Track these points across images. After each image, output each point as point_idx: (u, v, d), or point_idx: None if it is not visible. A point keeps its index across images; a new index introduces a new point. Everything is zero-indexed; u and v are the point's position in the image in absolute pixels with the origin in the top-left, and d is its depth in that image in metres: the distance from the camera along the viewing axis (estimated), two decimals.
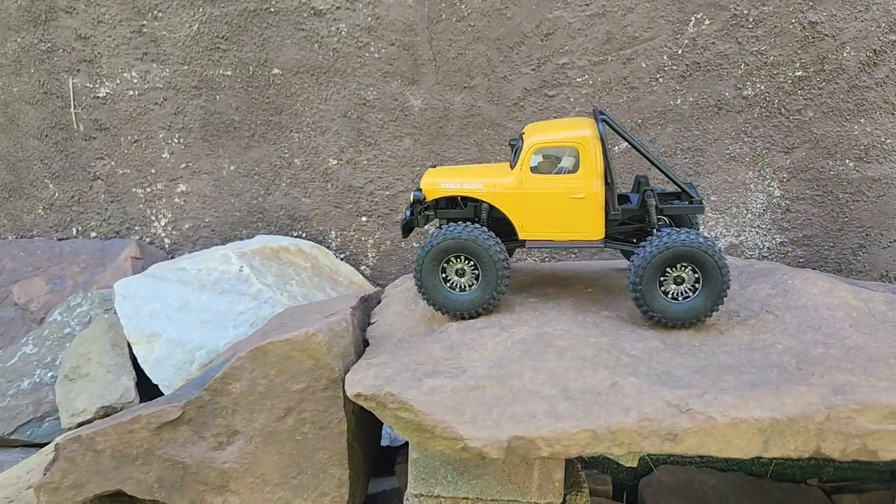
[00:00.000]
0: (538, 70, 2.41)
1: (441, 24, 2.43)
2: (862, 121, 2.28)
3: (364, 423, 1.46)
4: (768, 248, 2.39)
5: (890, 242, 2.35)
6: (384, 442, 1.95)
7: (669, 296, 1.33)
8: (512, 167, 1.42)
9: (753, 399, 1.13)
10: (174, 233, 2.76)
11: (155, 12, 2.58)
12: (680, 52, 2.32)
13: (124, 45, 2.63)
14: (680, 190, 1.46)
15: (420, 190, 1.47)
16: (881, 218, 2.34)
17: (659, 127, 2.38)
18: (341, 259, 2.65)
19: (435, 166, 1.63)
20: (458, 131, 2.51)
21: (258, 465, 1.35)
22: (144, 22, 2.60)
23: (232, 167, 2.67)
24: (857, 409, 1.11)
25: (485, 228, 1.37)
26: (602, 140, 1.37)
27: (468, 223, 1.38)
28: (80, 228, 2.82)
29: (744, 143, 2.35)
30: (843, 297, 1.39)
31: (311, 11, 2.49)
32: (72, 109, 2.72)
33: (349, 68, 2.52)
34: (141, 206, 2.76)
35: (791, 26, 2.25)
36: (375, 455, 1.62)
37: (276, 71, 2.56)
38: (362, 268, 2.67)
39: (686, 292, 1.33)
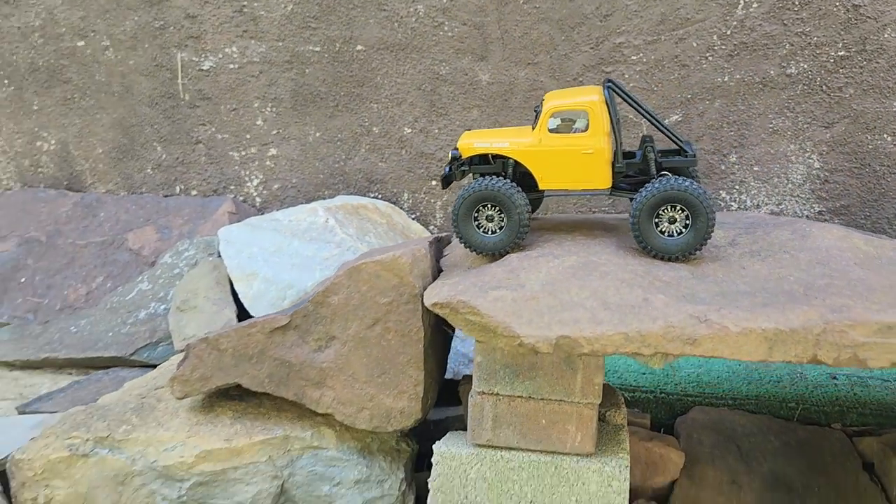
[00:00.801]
0: (596, 48, 2.64)
1: (509, 6, 2.68)
2: None
3: (435, 339, 1.74)
4: (807, 216, 2.57)
5: None
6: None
7: (665, 234, 1.57)
8: (533, 129, 1.66)
9: (762, 314, 1.36)
10: (264, 192, 3.10)
11: None
12: (729, 32, 2.52)
13: (227, 23, 2.96)
14: (678, 147, 1.69)
15: (457, 149, 1.72)
16: None
17: (707, 102, 2.58)
18: (412, 219, 2.93)
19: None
20: (521, 104, 2.75)
21: (350, 365, 1.65)
22: (245, 3, 2.93)
23: (317, 134, 2.98)
24: (850, 324, 1.33)
25: (509, 181, 1.62)
26: (608, 104, 1.60)
27: (496, 177, 1.63)
28: (182, 187, 3.18)
29: (786, 117, 2.53)
30: (855, 243, 1.60)
31: None
32: (179, 81, 3.07)
33: (425, 45, 2.79)
34: (236, 167, 3.10)
35: (835, 9, 2.42)
36: (443, 370, 1.90)
37: (359, 47, 2.85)
38: (430, 227, 2.95)
39: (680, 230, 1.56)
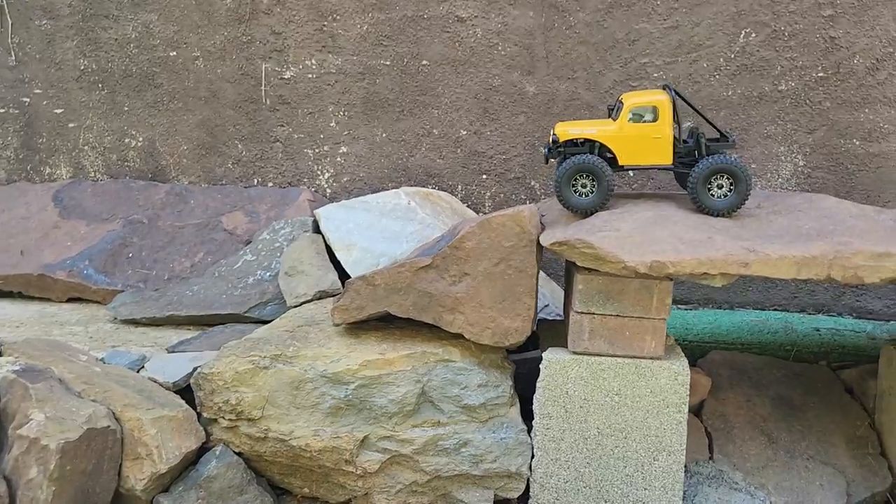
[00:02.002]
0: (625, 67, 3.24)
1: (553, 31, 3.27)
2: (866, 111, 3.10)
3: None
4: None
5: (885, 202, 3.15)
6: None
7: (715, 197, 2.15)
8: (614, 120, 2.24)
9: (791, 246, 1.94)
10: (334, 184, 3.61)
11: (335, 15, 3.44)
12: (732, 56, 3.15)
13: (308, 39, 3.49)
14: (720, 134, 2.29)
15: (556, 134, 2.28)
16: (879, 184, 3.15)
17: (714, 112, 3.20)
18: (466, 206, 3.48)
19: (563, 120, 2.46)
20: (562, 111, 3.34)
21: (478, 295, 2.18)
22: (325, 22, 3.46)
23: (384, 135, 3.51)
24: (853, 253, 1.92)
25: (598, 157, 2.19)
26: (672, 102, 2.20)
27: (588, 154, 2.21)
28: (260, 179, 3.67)
29: (777, 125, 3.17)
30: (847, 206, 2.22)
31: (455, 18, 3.34)
32: (262, 87, 3.58)
33: (481, 62, 3.36)
34: (310, 163, 3.60)
35: (816, 39, 3.08)
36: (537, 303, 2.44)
37: (424, 62, 3.41)
38: (480, 213, 3.49)
39: (726, 193, 2.15)
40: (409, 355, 2.21)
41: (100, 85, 3.71)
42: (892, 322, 3.16)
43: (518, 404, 2.29)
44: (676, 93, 2.23)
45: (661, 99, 2.16)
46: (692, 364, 2.83)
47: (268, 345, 2.29)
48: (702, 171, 2.12)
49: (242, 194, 3.57)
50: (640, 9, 3.18)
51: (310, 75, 3.51)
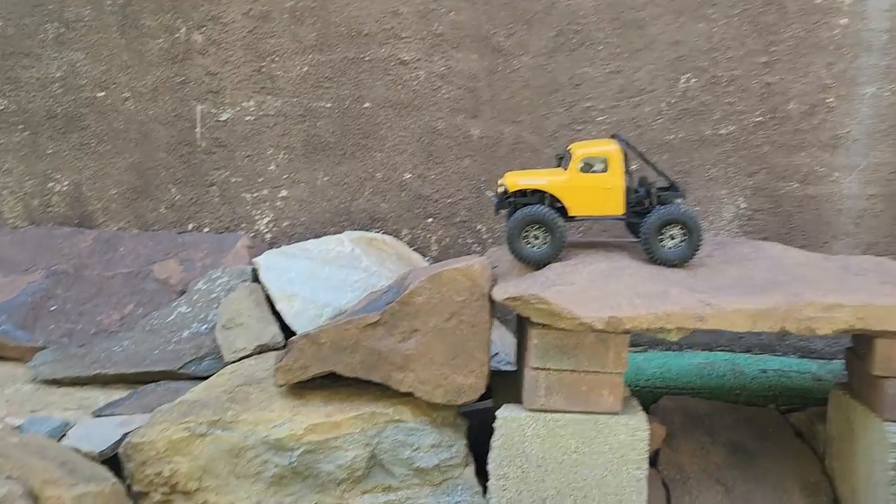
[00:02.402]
0: (569, 110, 3.24)
1: (497, 74, 3.25)
2: (802, 154, 3.16)
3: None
4: None
5: (824, 243, 3.21)
6: None
7: (667, 247, 2.13)
8: (564, 170, 2.20)
9: (746, 299, 1.92)
10: (274, 229, 3.48)
11: (273, 56, 3.35)
12: (674, 101, 3.18)
13: (246, 80, 3.38)
14: (669, 184, 2.28)
15: (504, 185, 2.24)
16: (817, 225, 3.21)
17: (657, 155, 3.22)
18: (412, 250, 3.39)
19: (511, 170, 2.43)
20: (507, 155, 3.31)
21: (429, 351, 2.08)
22: (264, 63, 3.36)
23: (325, 178, 3.41)
24: (804, 304, 1.91)
25: (550, 208, 2.15)
26: (623, 152, 2.18)
27: (539, 205, 2.16)
28: (195, 225, 3.51)
29: (719, 168, 3.21)
30: (794, 254, 2.22)
31: (398, 61, 3.29)
32: (197, 130, 3.44)
33: (425, 105, 3.31)
34: (248, 207, 3.47)
35: (753, 85, 3.14)
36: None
37: (366, 104, 3.34)
38: (427, 258, 3.41)
39: (678, 244, 2.13)
40: (357, 416, 2.10)
41: (20, 126, 3.51)
42: (835, 361, 3.20)
43: (473, 464, 2.19)
44: (626, 142, 2.21)
45: (612, 149, 2.14)
46: (645, 409, 2.79)
47: (205, 409, 2.15)
48: (654, 221, 2.10)
49: (176, 241, 3.41)
50: (582, 54, 3.19)
51: (248, 117, 3.40)
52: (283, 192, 3.44)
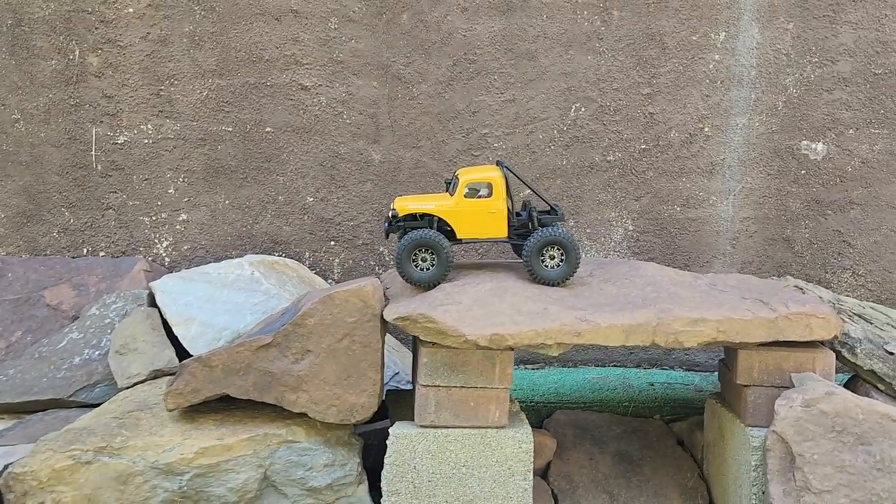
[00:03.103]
0: (467, 137, 3.36)
1: (397, 101, 3.34)
2: (684, 179, 3.38)
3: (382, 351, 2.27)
4: None
5: (705, 262, 3.43)
6: None
7: (548, 267, 2.25)
8: (451, 195, 2.31)
9: (619, 315, 2.05)
10: (174, 253, 3.44)
11: (172, 80, 3.33)
12: (565, 128, 3.35)
13: (143, 103, 3.35)
14: (550, 208, 2.41)
15: (395, 209, 2.32)
16: (698, 246, 3.42)
17: (551, 180, 3.38)
18: (314, 273, 3.42)
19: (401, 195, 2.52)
20: (408, 179, 3.39)
21: (322, 372, 2.12)
22: (162, 87, 3.34)
23: (227, 201, 3.41)
24: (672, 319, 2.06)
25: (437, 231, 2.24)
26: (505, 178, 2.30)
27: (427, 228, 2.26)
28: (90, 249, 3.44)
29: (608, 192, 3.39)
30: (668, 273, 2.38)
31: (300, 86, 3.33)
32: (93, 152, 3.38)
33: (326, 130, 3.36)
34: (146, 231, 3.42)
35: (637, 115, 3.34)
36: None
37: (268, 129, 3.36)
38: (329, 280, 3.45)
39: (557, 264, 2.25)
40: (250, 438, 2.11)
41: None
42: (716, 373, 3.40)
43: (366, 482, 2.23)
44: (509, 169, 2.32)
45: (495, 175, 2.25)
46: (539, 425, 2.90)
47: (92, 436, 2.11)
48: (535, 243, 2.21)
49: (69, 265, 3.32)
50: (478, 83, 3.32)
51: (146, 140, 3.36)
52: (183, 216, 3.41)
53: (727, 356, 2.45)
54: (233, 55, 3.31)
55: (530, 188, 2.40)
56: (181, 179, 3.38)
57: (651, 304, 2.13)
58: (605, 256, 3.43)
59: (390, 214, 2.27)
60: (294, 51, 3.31)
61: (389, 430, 2.14)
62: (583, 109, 3.34)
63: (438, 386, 2.12)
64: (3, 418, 2.71)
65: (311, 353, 2.12)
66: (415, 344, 2.43)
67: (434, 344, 2.10)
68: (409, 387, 2.86)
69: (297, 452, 2.13)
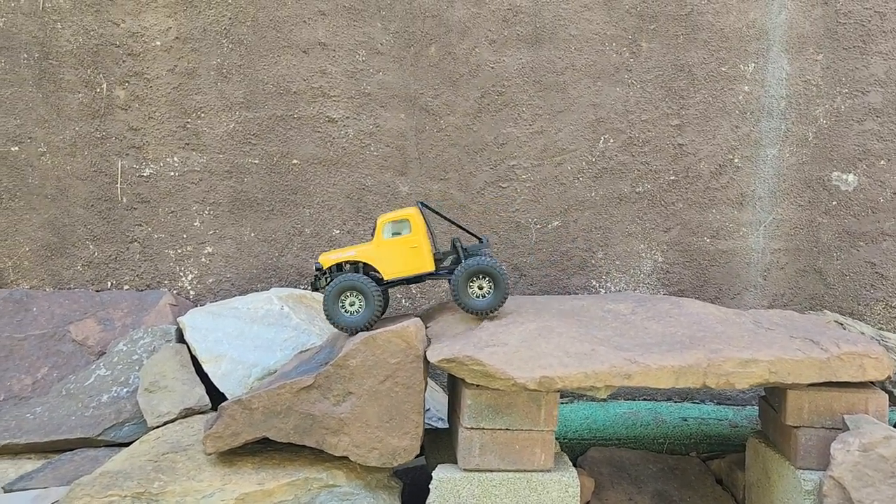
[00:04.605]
0: (495, 169, 3.34)
1: (425, 133, 3.32)
2: (714, 211, 3.35)
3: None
4: None
5: (735, 294, 3.39)
6: None
7: (475, 297, 2.21)
8: (372, 239, 2.29)
9: (669, 356, 2.01)
10: (199, 286, 3.41)
11: (199, 113, 3.32)
12: (594, 160, 3.33)
13: (170, 136, 3.34)
14: (478, 240, 2.38)
15: (319, 263, 2.30)
16: (728, 278, 3.39)
17: (580, 211, 3.35)
18: None
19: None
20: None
21: (364, 414, 2.08)
22: (189, 120, 3.33)
23: (253, 234, 3.38)
24: (723, 360, 2.02)
25: (362, 274, 2.22)
26: (422, 213, 2.27)
27: (354, 273, 2.23)
28: (114, 282, 3.41)
29: (637, 224, 3.36)
30: (712, 311, 2.34)
31: (327, 119, 3.32)
32: (118, 185, 3.36)
33: (353, 162, 3.34)
34: (171, 264, 3.39)
35: (666, 146, 3.32)
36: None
37: (295, 161, 3.34)
38: None
39: (485, 294, 2.21)
40: (290, 483, 2.06)
41: None
42: (748, 407, 3.35)
43: None
44: (428, 206, 2.33)
45: (411, 211, 2.26)
46: (573, 463, 2.84)
47: (128, 480, 2.07)
48: (461, 273, 2.19)
49: (94, 299, 3.29)
50: (506, 114, 3.31)
51: (172, 173, 3.34)
52: (209, 249, 3.38)
53: (771, 394, 2.40)
54: (260, 87, 3.30)
55: (451, 221, 2.40)
56: (207, 212, 3.36)
57: (699, 345, 2.08)
58: (634, 289, 3.39)
59: (314, 268, 2.27)
60: (321, 83, 3.30)
61: (433, 474, 2.09)
62: (612, 141, 3.32)
63: (483, 429, 2.07)
64: (30, 458, 2.66)
65: (353, 394, 2.08)
66: (453, 383, 2.38)
67: (478, 386, 2.06)
68: (440, 424, 2.81)
69: (338, 497, 2.09)
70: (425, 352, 2.10)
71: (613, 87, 3.30)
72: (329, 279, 2.28)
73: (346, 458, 2.12)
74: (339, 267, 2.29)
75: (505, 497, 2.08)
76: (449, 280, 2.23)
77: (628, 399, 3.43)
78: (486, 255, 2.33)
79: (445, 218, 2.37)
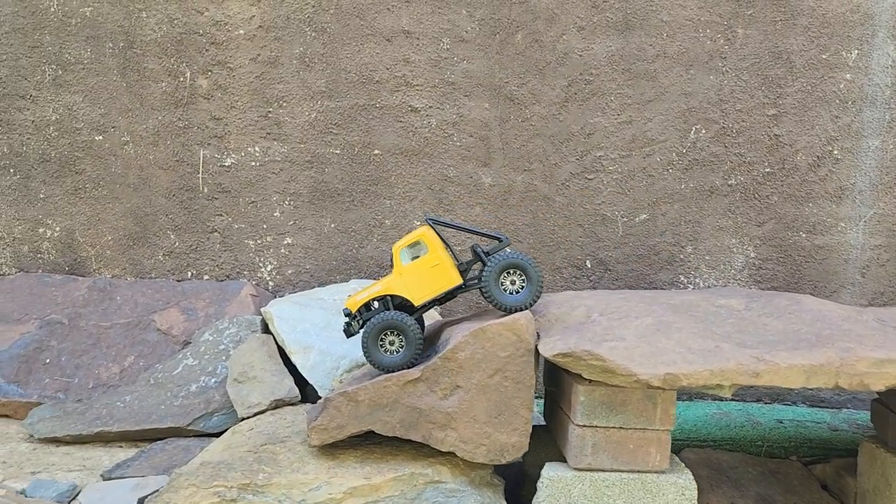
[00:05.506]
0: (581, 159, 3.24)
1: (509, 123, 3.24)
2: (810, 205, 3.21)
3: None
4: None
5: (832, 292, 3.24)
6: None
7: (509, 293, 2.10)
8: (392, 270, 2.17)
9: (798, 355, 1.90)
10: (278, 277, 3.38)
11: (281, 102, 3.29)
12: (684, 151, 3.21)
13: (251, 126, 3.31)
14: (497, 240, 2.21)
15: (347, 308, 2.18)
16: (825, 275, 3.24)
17: (668, 204, 3.24)
18: None
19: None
20: (518, 203, 3.29)
21: (472, 409, 2.01)
22: (270, 109, 3.30)
23: (332, 225, 3.34)
24: (856, 360, 1.90)
25: (396, 311, 2.10)
26: (434, 230, 2.15)
27: (385, 311, 2.12)
28: (194, 272, 3.40)
29: (729, 218, 3.23)
30: (831, 307, 2.22)
31: (410, 108, 3.26)
32: (199, 175, 3.35)
33: (436, 152, 3.28)
34: (251, 254, 3.37)
35: (762, 137, 3.19)
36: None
37: (376, 151, 3.29)
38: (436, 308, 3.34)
39: (518, 289, 2.09)
40: (396, 478, 2.00)
41: (11, 170, 3.37)
42: (844, 411, 3.21)
43: None
44: (438, 221, 2.19)
45: (422, 231, 2.13)
46: None
47: (232, 471, 2.03)
48: (492, 269, 2.07)
49: (176, 289, 3.28)
50: (594, 104, 3.21)
51: (252, 163, 3.32)
52: (288, 240, 3.35)
53: (889, 397, 2.27)
54: (342, 76, 3.26)
55: (464, 229, 2.22)
56: (287, 202, 3.33)
57: (828, 343, 1.97)
58: (724, 285, 3.27)
59: (344, 314, 2.16)
60: (405, 72, 3.24)
61: (542, 473, 2.01)
62: (704, 131, 3.20)
63: (596, 426, 1.99)
64: (121, 446, 2.66)
65: (461, 388, 2.01)
66: (556, 377, 2.30)
67: (592, 382, 1.97)
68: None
69: (444, 494, 2.02)
70: (536, 346, 2.03)
71: (707, 76, 3.18)
72: (361, 322, 2.17)
73: (451, 453, 2.06)
74: (367, 307, 2.18)
75: (618, 498, 2.00)
76: (479, 285, 2.11)
77: (716, 398, 3.31)
78: (508, 250, 2.20)
79: (457, 227, 2.22)
